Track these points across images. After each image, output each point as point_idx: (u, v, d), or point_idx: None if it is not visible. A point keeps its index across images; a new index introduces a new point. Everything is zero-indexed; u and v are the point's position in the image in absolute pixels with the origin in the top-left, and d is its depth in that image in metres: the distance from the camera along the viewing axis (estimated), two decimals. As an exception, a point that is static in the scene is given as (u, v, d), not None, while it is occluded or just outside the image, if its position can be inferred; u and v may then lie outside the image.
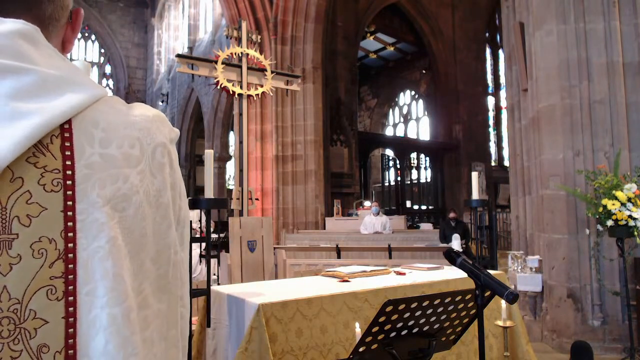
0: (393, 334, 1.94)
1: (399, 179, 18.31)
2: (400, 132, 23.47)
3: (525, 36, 5.77)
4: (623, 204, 4.17)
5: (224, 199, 3.68)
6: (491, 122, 19.45)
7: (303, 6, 11.73)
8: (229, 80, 5.80)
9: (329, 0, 11.98)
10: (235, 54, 5.99)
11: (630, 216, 4.14)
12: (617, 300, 4.67)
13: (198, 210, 3.05)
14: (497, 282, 1.73)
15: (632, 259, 4.58)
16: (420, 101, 22.57)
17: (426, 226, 12.64)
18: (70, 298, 0.60)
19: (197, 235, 5.97)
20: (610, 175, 4.42)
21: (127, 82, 24.63)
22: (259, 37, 6.84)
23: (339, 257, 7.23)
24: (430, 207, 18.52)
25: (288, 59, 11.58)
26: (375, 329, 1.88)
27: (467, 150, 17.58)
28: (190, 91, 19.20)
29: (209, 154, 3.07)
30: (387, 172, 18.71)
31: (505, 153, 18.26)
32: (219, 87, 5.80)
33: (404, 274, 3.40)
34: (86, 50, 24.58)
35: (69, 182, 0.62)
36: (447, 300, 1.95)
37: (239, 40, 6.11)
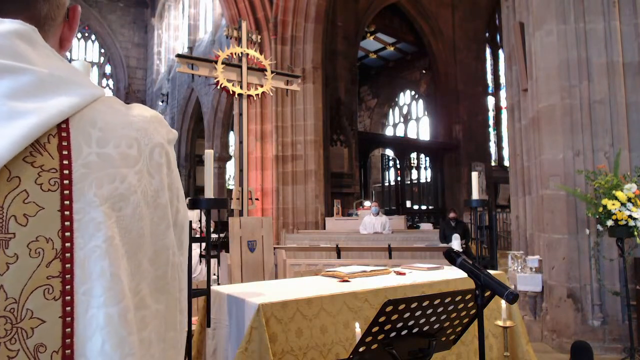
0: (393, 334, 1.93)
1: (399, 179, 18.31)
2: (400, 132, 23.47)
3: (525, 36, 5.77)
4: (623, 204, 4.17)
5: (224, 199, 3.68)
6: (491, 122, 19.45)
7: (303, 6, 11.73)
8: (229, 80, 5.80)
9: (329, 0, 11.98)
10: (235, 54, 5.99)
11: (630, 216, 4.14)
12: (617, 300, 4.67)
13: (198, 210, 3.05)
14: (497, 282, 1.73)
15: (632, 259, 4.58)
16: (420, 101, 22.57)
17: (426, 226, 12.64)
18: (67, 298, 0.60)
19: (197, 235, 5.98)
20: (610, 175, 4.41)
21: (127, 82, 24.63)
22: (259, 37, 6.84)
23: (339, 257, 7.23)
24: (430, 207, 18.52)
25: (288, 59, 11.58)
26: (375, 329, 1.88)
27: (467, 150, 17.58)
28: (190, 91, 19.20)
29: (209, 154, 3.07)
30: (387, 172, 18.71)
31: (505, 153, 18.27)
32: (219, 87, 5.80)
33: (404, 274, 3.40)
34: (86, 50, 24.58)
35: (66, 182, 0.62)
36: (447, 300, 1.95)
37: (239, 40, 6.11)
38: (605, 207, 4.23)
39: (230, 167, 18.33)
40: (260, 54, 6.23)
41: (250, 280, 4.71)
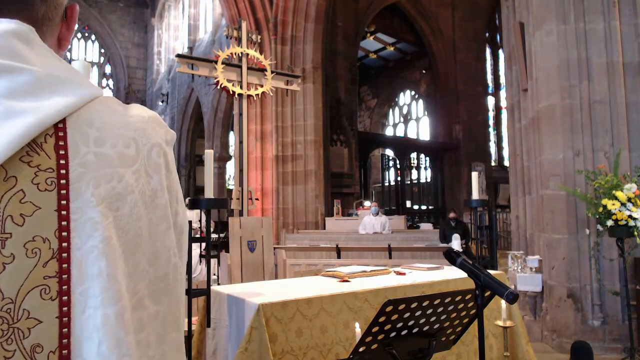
0: (393, 334, 1.93)
1: (399, 179, 18.31)
2: (400, 132, 23.47)
3: (525, 36, 5.77)
4: (623, 204, 4.17)
5: (224, 199, 3.68)
6: (491, 122, 19.45)
7: (303, 6, 11.73)
8: (229, 80, 5.80)
9: (329, 0, 11.98)
10: (235, 54, 5.99)
11: (630, 216, 4.14)
12: (617, 300, 4.66)
13: (198, 210, 3.05)
14: (497, 282, 1.72)
15: (632, 259, 4.57)
16: (420, 101, 22.57)
17: (426, 226, 12.64)
18: (64, 298, 0.59)
19: (197, 235, 5.97)
20: (610, 175, 4.41)
21: (127, 82, 24.64)
22: (259, 37, 6.84)
23: (339, 257, 7.23)
24: (430, 207, 18.52)
25: (288, 59, 11.58)
26: (375, 329, 1.88)
27: (467, 150, 17.58)
28: (190, 91, 19.20)
29: (209, 154, 3.07)
30: (387, 172, 18.71)
31: (505, 153, 18.26)
32: (219, 87, 5.80)
33: (404, 274, 3.40)
34: (86, 50, 24.59)
35: (62, 181, 0.61)
36: (447, 300, 1.95)
37: (239, 40, 6.11)
38: (605, 207, 4.22)
39: (230, 167, 18.33)
40: (260, 54, 6.23)
41: (250, 280, 4.71)
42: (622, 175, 4.43)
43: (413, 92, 23.00)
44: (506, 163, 17.21)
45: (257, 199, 7.70)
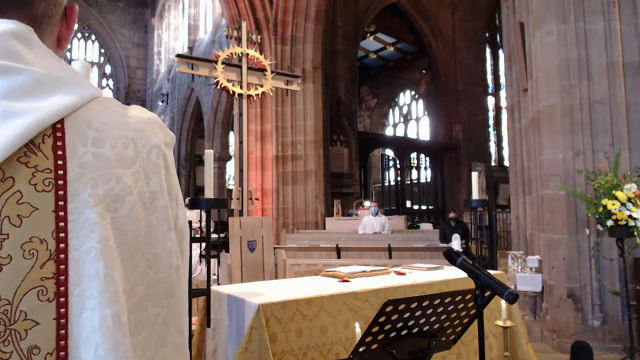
0: (393, 334, 1.93)
1: (399, 179, 18.30)
2: (400, 132, 23.47)
3: (525, 36, 5.77)
4: (623, 204, 4.17)
5: (224, 199, 3.67)
6: (491, 122, 19.45)
7: (303, 6, 11.73)
8: (229, 80, 5.79)
9: (329, 0, 11.98)
10: (235, 54, 5.99)
11: (630, 216, 4.14)
12: (617, 300, 4.66)
13: (198, 210, 3.05)
14: (497, 282, 1.72)
15: (632, 259, 4.57)
16: (420, 101, 22.57)
17: (426, 226, 12.64)
18: (62, 299, 0.59)
19: (197, 235, 5.97)
20: (610, 175, 4.41)
21: (127, 82, 24.64)
22: (259, 37, 6.84)
23: (339, 257, 7.22)
24: (430, 207, 18.52)
25: (288, 59, 11.58)
26: (375, 329, 1.88)
27: (467, 150, 17.58)
28: (190, 91, 19.20)
29: (209, 154, 3.07)
30: (387, 172, 18.71)
31: (505, 153, 18.26)
32: (219, 87, 5.80)
33: (404, 274, 3.40)
34: (86, 50, 24.59)
35: (60, 182, 0.61)
36: (447, 300, 1.95)
37: (239, 40, 6.10)
38: (605, 207, 4.22)
39: (230, 167, 18.33)
40: (260, 54, 6.23)
41: (250, 280, 4.71)
42: (622, 175, 4.42)
43: (413, 92, 23.00)
44: (506, 163, 17.21)
45: (257, 199, 7.70)
